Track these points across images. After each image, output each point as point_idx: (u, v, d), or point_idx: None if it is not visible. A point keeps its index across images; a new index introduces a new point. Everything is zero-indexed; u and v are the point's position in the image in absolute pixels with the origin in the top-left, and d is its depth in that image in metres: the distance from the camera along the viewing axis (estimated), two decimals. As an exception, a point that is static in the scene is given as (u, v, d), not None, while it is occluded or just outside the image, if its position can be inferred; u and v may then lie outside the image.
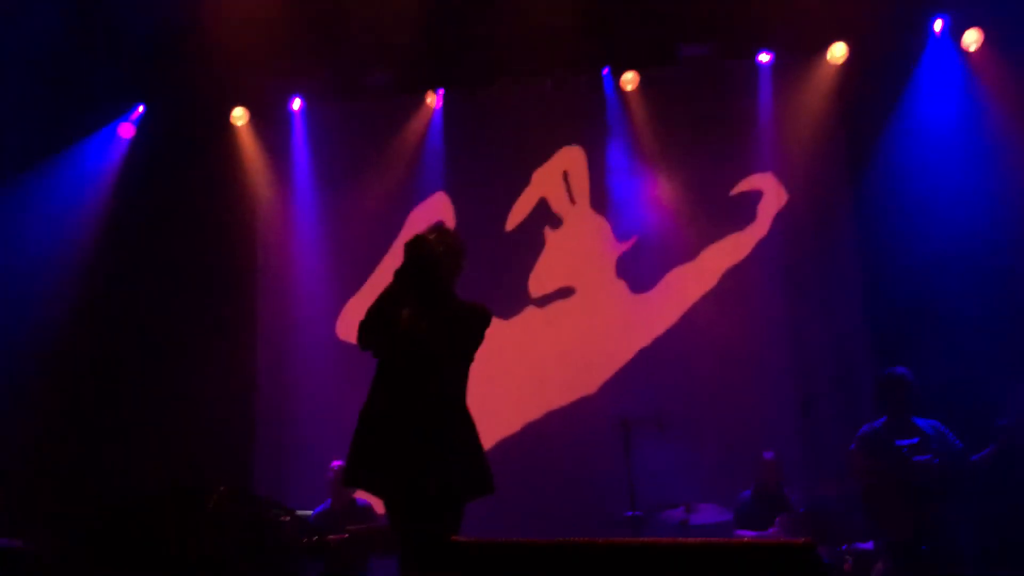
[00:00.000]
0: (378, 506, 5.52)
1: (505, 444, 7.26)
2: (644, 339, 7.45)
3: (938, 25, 7.19)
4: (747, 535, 6.07)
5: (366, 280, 7.61)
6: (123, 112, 7.89)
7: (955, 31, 7.18)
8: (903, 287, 6.76)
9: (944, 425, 5.43)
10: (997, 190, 6.70)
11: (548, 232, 7.76)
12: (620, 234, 7.65)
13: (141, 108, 7.91)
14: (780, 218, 7.46)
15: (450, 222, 7.63)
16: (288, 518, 5.15)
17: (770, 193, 7.50)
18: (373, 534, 5.90)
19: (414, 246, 3.82)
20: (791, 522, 5.74)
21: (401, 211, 7.82)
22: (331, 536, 5.86)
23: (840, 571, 5.56)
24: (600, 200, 7.75)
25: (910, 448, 5.26)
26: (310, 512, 6.41)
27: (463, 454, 3.79)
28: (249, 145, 8.04)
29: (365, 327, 3.85)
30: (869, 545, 5.64)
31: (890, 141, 7.18)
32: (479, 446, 3.86)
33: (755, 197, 7.51)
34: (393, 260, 3.98)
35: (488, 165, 7.84)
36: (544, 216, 7.79)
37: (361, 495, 6.31)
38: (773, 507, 6.09)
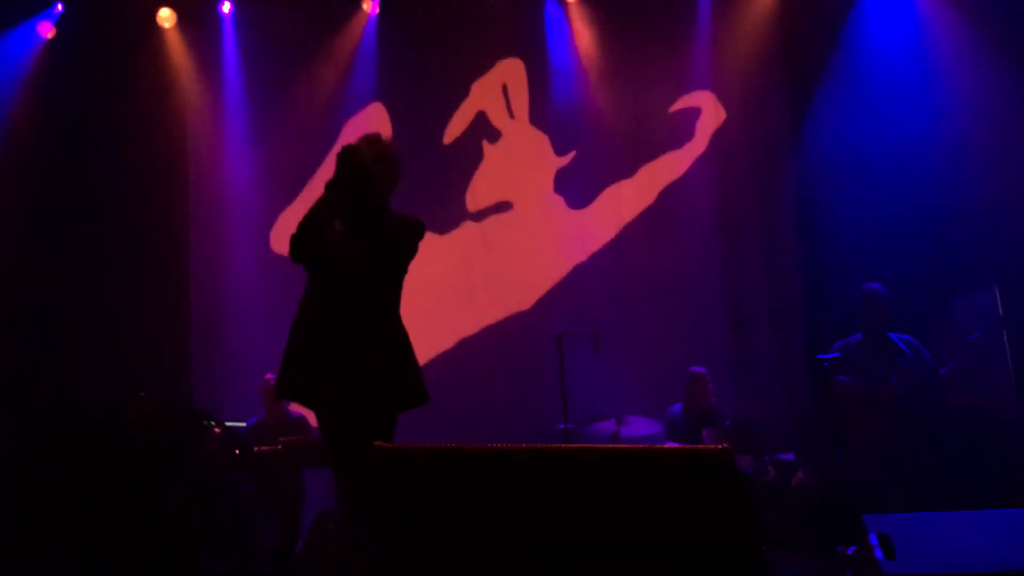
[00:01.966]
0: (312, 418, 5.53)
1: (440, 359, 7.30)
2: (580, 255, 7.49)
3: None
4: (675, 447, 6.23)
5: (300, 191, 7.47)
6: (40, 9, 7.48)
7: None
8: (839, 204, 6.81)
9: (916, 339, 5.60)
10: (940, 108, 6.67)
11: (486, 146, 7.68)
12: (559, 149, 7.62)
13: (59, 7, 7.51)
14: (718, 136, 7.48)
15: (386, 134, 7.48)
16: (219, 429, 5.13)
17: (708, 111, 7.50)
18: (306, 445, 5.91)
19: (346, 156, 3.74)
20: (717, 434, 5.91)
21: (336, 120, 7.64)
22: (263, 447, 5.87)
23: (763, 480, 5.76)
24: (539, 114, 7.67)
25: (831, 362, 5.43)
26: (244, 424, 6.40)
27: (396, 365, 3.79)
28: (177, 48, 7.69)
29: (296, 240, 3.79)
30: (790, 456, 5.86)
31: (830, 59, 7.16)
32: (413, 357, 3.86)
33: (693, 114, 7.51)
34: (327, 171, 3.89)
35: (426, 76, 7.67)
36: (482, 129, 7.69)
37: (295, 407, 6.30)
38: (702, 420, 6.23)
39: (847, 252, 6.57)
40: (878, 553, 3.67)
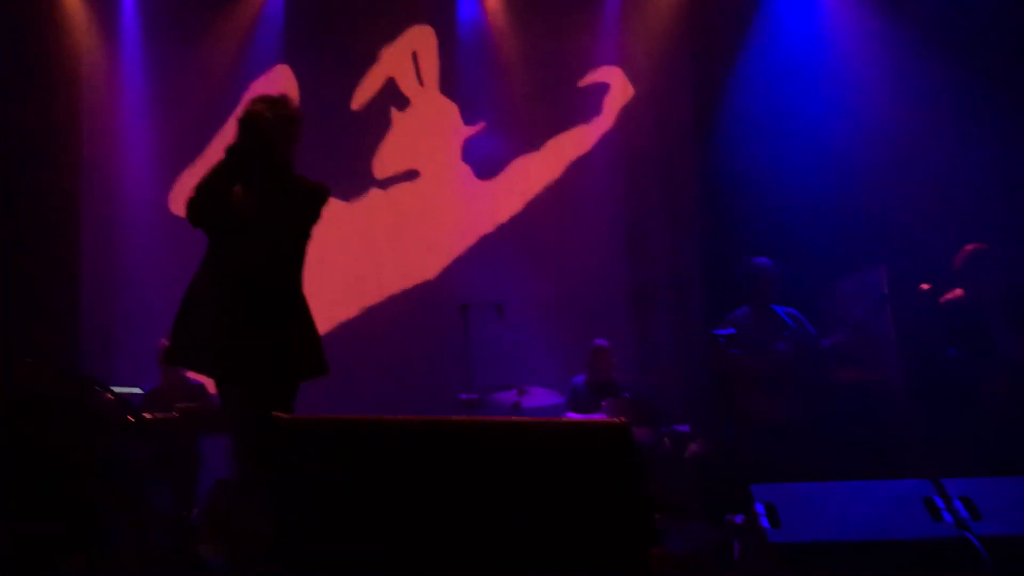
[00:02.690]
0: (211, 385, 5.42)
1: (343, 327, 7.25)
2: (487, 225, 7.51)
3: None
4: (575, 418, 6.33)
5: (202, 152, 7.25)
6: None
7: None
8: (740, 183, 6.97)
9: (800, 313, 5.78)
10: (843, 93, 6.86)
11: (395, 113, 7.60)
12: (468, 119, 7.59)
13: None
14: (625, 112, 7.57)
15: (293, 97, 7.32)
16: (110, 396, 4.97)
17: (616, 86, 7.58)
18: (204, 413, 5.79)
19: (247, 122, 3.67)
20: (616, 406, 6.02)
21: (240, 82, 7.42)
22: (159, 414, 5.72)
23: (659, 451, 5.90)
24: (449, 83, 7.62)
25: (726, 338, 5.58)
26: (140, 391, 6.23)
27: (295, 333, 3.75)
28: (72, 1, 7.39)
29: (194, 204, 3.71)
30: (686, 428, 6.02)
31: (738, 40, 7.27)
32: (312, 326, 3.83)
33: (602, 90, 7.57)
34: (229, 133, 3.80)
35: (334, 39, 7.53)
36: (391, 96, 7.60)
37: (195, 374, 6.16)
38: (604, 392, 6.33)
39: (746, 230, 6.74)
40: (764, 522, 3.82)
